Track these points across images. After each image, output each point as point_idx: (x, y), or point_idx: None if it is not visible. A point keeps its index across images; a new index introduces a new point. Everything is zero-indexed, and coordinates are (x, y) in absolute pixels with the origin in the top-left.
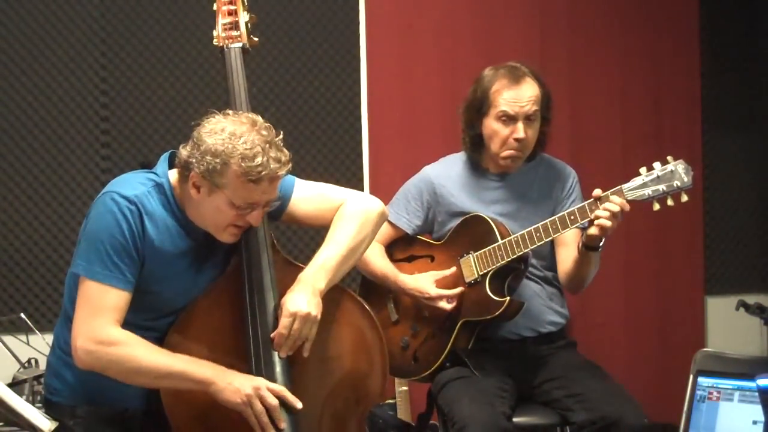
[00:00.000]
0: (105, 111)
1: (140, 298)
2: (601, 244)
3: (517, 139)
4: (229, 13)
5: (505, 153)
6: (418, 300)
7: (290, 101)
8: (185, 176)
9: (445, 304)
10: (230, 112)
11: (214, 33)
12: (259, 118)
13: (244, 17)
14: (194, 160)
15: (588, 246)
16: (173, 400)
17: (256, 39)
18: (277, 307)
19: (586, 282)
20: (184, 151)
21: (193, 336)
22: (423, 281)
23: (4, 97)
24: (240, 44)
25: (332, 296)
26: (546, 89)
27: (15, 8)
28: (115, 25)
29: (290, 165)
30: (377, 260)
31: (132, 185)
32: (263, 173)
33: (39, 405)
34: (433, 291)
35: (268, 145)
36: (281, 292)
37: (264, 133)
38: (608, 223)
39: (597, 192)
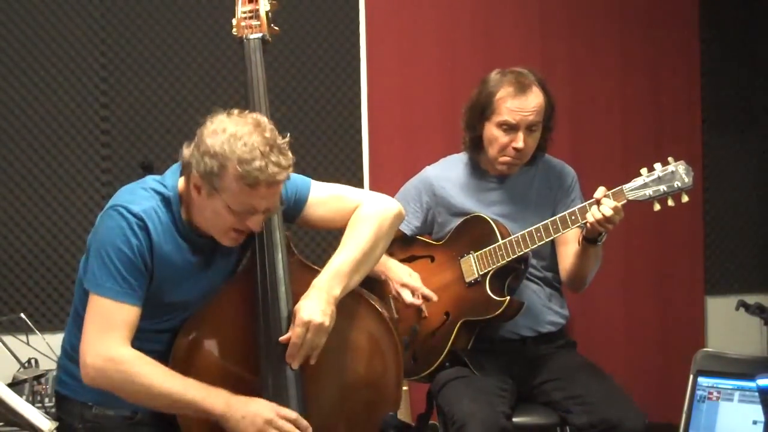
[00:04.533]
0: (105, 111)
1: (150, 306)
2: (600, 238)
3: (516, 149)
4: (249, 1)
5: (502, 159)
6: (391, 284)
7: (290, 101)
8: (188, 176)
9: (407, 295)
10: (235, 111)
11: (233, 22)
12: (264, 119)
13: (264, 6)
14: (194, 161)
15: (588, 239)
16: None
17: (276, 28)
18: (291, 315)
19: (587, 279)
20: (186, 151)
21: (203, 340)
22: (404, 270)
23: (4, 97)
24: (260, 35)
25: (347, 300)
26: (550, 98)
27: (15, 8)
28: (115, 25)
29: (291, 169)
30: None
31: (140, 199)
32: (261, 177)
33: (39, 405)
34: (406, 279)
35: (269, 148)
36: (296, 298)
37: (267, 135)
38: (594, 219)
39: (600, 191)
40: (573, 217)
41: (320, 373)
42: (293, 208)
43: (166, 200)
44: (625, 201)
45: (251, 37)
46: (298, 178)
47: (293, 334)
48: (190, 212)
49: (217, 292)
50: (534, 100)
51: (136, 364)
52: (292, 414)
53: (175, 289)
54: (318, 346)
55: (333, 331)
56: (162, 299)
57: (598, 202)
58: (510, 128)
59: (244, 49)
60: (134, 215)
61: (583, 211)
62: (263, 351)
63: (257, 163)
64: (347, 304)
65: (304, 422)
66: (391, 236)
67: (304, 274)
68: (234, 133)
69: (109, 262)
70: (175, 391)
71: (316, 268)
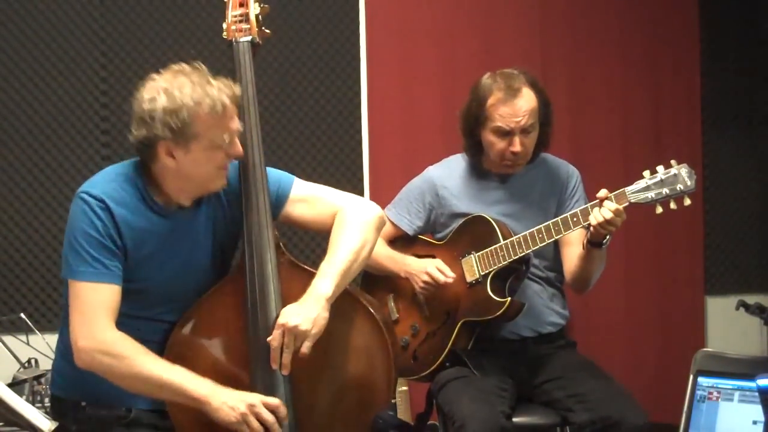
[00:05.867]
0: (105, 111)
1: (129, 289)
2: (604, 241)
3: (513, 152)
4: (240, 5)
5: (504, 163)
6: (414, 280)
7: (290, 101)
8: (153, 154)
9: (438, 274)
10: (154, 75)
11: (224, 25)
12: (181, 64)
13: (254, 9)
14: (156, 132)
15: (592, 242)
16: (177, 404)
17: (268, 31)
18: (278, 316)
19: (591, 281)
20: (137, 133)
21: (195, 338)
22: (428, 262)
23: (4, 97)
24: (249, 38)
25: (338, 302)
26: (543, 96)
27: (15, 8)
28: (115, 25)
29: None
30: (380, 248)
31: (101, 182)
32: (224, 99)
33: (39, 405)
34: (431, 268)
35: (204, 79)
36: (285, 298)
37: (196, 67)
38: (596, 222)
39: (601, 193)
40: (575, 219)
41: (310, 373)
42: (275, 204)
43: (128, 179)
44: (627, 203)
45: (241, 40)
46: (282, 174)
47: (272, 337)
48: (164, 185)
49: (211, 291)
50: (525, 104)
51: (122, 346)
52: (274, 401)
53: (154, 265)
54: (305, 349)
55: (325, 330)
56: (143, 281)
57: (600, 204)
58: (505, 134)
59: (233, 51)
60: (94, 197)
61: (585, 213)
62: (253, 350)
63: (211, 91)
64: (338, 304)
65: (284, 410)
66: (376, 240)
67: (294, 274)
68: (172, 86)
69: (78, 246)
70: (163, 375)
71: (307, 267)
